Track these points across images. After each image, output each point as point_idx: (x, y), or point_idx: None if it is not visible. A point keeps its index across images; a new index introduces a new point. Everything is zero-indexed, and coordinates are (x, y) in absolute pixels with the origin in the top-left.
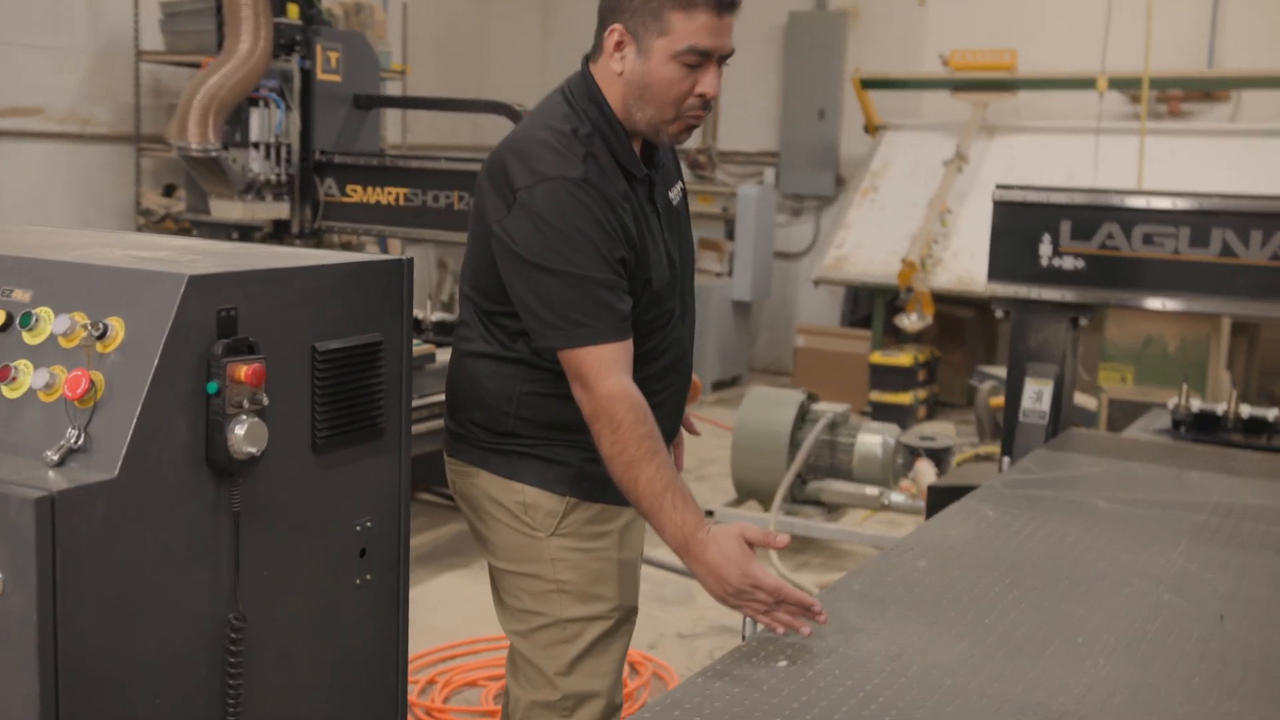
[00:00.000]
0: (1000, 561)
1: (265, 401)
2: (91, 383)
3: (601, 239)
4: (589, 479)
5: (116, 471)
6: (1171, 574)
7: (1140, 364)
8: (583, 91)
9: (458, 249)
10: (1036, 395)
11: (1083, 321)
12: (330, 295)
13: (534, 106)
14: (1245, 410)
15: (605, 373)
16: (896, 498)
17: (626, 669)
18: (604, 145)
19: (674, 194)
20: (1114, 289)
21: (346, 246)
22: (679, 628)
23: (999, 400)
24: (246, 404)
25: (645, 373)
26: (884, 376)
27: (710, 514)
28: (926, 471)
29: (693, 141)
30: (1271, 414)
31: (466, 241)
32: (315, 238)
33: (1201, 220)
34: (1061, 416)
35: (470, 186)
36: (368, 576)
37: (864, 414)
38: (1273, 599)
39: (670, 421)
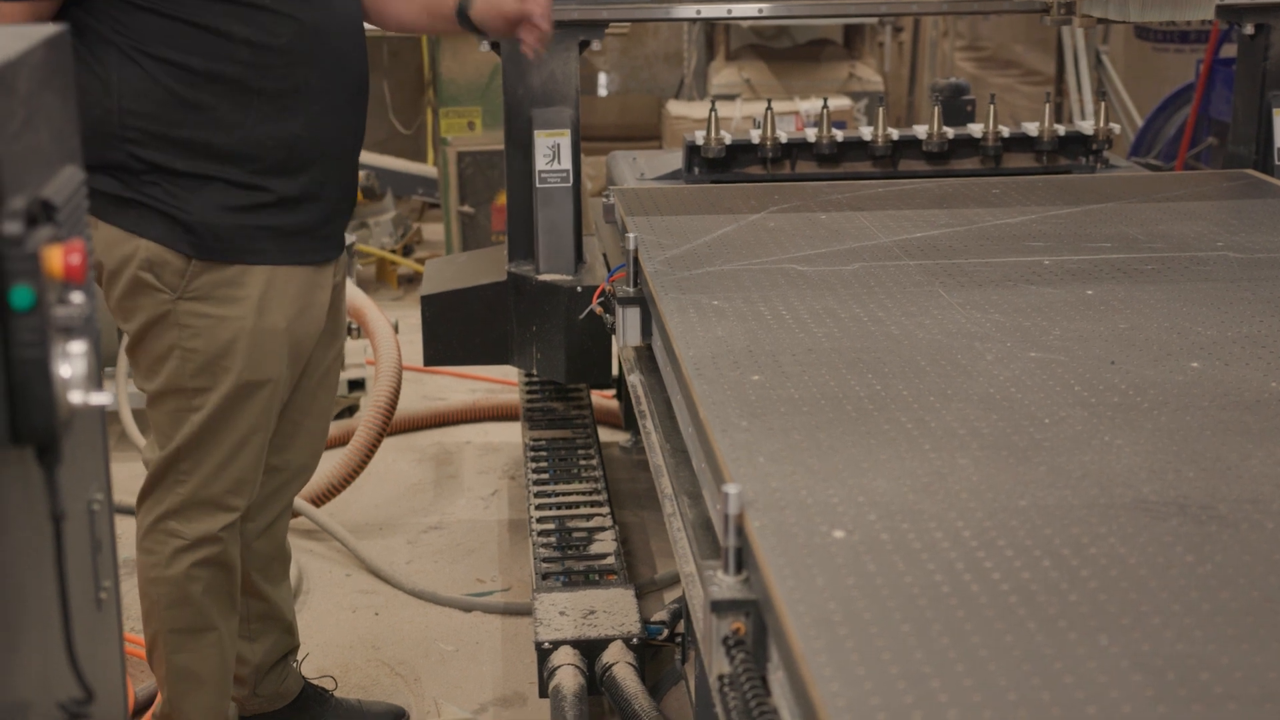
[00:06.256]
0: (821, 355)
1: (90, 306)
2: None
3: None
4: (218, 235)
5: None
6: (989, 329)
7: (489, 102)
8: None
9: None
10: (552, 150)
11: (594, 44)
12: (47, 106)
13: None
14: (782, 136)
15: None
16: None
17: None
18: None
19: None
20: None
21: None
22: None
23: None
24: (78, 316)
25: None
26: None
27: None
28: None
29: None
30: (810, 136)
31: None
32: None
33: None
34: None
35: None
36: (106, 584)
37: None
38: (1097, 332)
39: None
